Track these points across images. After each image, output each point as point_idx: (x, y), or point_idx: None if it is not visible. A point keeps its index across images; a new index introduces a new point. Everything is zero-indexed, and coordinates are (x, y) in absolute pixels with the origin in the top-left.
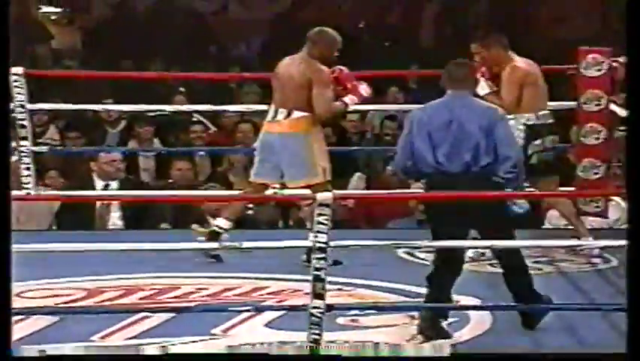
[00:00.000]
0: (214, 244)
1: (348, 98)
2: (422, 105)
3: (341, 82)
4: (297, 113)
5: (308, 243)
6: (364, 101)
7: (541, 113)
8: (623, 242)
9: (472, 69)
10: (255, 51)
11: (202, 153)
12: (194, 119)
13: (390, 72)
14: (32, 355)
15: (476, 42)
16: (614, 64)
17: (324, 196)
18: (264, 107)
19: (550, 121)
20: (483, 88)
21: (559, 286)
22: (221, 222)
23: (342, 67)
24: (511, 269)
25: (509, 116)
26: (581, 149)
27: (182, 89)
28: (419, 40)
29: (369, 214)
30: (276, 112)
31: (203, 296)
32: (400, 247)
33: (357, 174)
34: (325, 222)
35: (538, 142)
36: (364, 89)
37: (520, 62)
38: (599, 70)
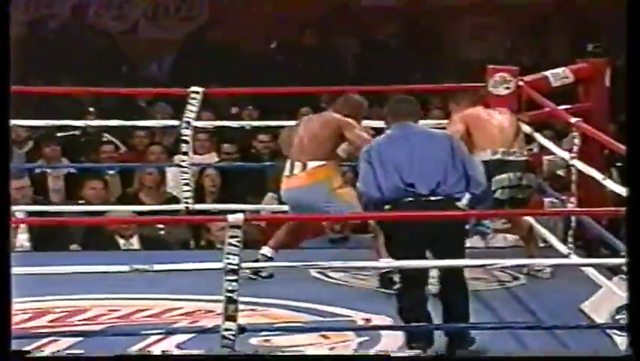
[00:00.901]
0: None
1: None
2: (376, 139)
3: None
4: (312, 164)
5: (220, 265)
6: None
7: (500, 150)
8: (533, 260)
9: (414, 103)
10: (165, 71)
11: (112, 172)
12: (105, 139)
13: (303, 89)
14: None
15: (451, 101)
16: (521, 83)
17: (234, 218)
18: (174, 122)
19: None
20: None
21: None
22: (265, 251)
23: None
24: (454, 290)
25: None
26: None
27: (91, 109)
28: (335, 60)
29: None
30: (292, 166)
31: (114, 318)
32: (312, 268)
33: (270, 193)
34: (237, 243)
35: (498, 178)
36: None
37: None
38: (507, 88)
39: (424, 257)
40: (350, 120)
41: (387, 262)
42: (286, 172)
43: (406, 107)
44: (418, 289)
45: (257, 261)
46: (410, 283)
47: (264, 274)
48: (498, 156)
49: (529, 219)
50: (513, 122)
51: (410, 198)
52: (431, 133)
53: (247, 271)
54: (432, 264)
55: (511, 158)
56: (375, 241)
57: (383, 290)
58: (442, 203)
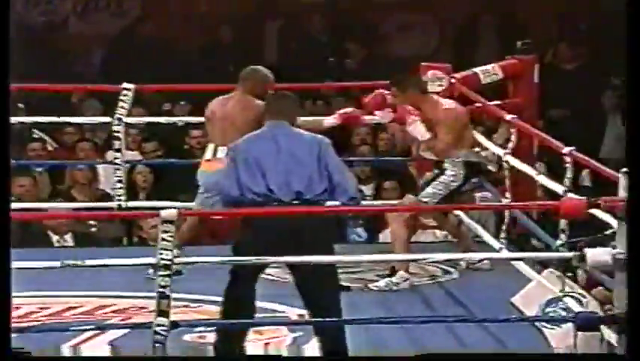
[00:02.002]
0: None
1: (327, 120)
2: (245, 136)
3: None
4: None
5: (152, 260)
6: None
7: (476, 150)
8: (465, 255)
9: (293, 101)
10: (96, 67)
11: (40, 169)
12: (35, 135)
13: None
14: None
15: (392, 84)
16: (452, 80)
17: (167, 213)
18: (107, 119)
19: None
20: (423, 133)
21: (404, 297)
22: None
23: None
24: (329, 288)
25: (448, 159)
26: (422, 162)
27: (21, 105)
28: (263, 56)
29: (214, 230)
30: (215, 150)
31: (45, 316)
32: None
33: None
34: (169, 238)
35: (475, 180)
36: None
37: (447, 105)
38: (440, 85)
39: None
40: (261, 106)
41: (319, 259)
42: (207, 155)
43: (282, 105)
44: (246, 287)
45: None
46: (239, 280)
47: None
48: (476, 159)
49: (459, 213)
50: None
51: (273, 203)
52: (300, 136)
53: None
54: (371, 258)
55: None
56: None
57: None
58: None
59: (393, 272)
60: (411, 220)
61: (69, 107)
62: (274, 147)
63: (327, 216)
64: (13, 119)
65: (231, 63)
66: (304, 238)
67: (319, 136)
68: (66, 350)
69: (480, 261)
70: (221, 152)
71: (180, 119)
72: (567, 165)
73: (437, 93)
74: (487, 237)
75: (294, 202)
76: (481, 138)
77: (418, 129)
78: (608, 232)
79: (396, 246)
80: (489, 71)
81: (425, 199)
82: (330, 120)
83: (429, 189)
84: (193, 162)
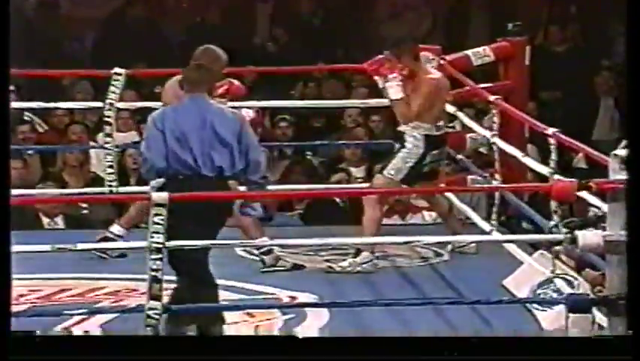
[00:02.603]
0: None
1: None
2: (170, 107)
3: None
4: None
5: (144, 243)
6: None
7: (439, 124)
8: (456, 237)
9: (208, 72)
10: (87, 49)
11: (30, 152)
12: (26, 118)
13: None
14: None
15: (388, 50)
16: (442, 62)
17: (159, 196)
18: (98, 104)
19: (444, 132)
20: (396, 93)
21: (393, 280)
22: (115, 229)
23: (232, 80)
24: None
25: (411, 124)
26: None
27: (12, 87)
28: (254, 40)
29: None
30: None
31: (37, 298)
32: (237, 246)
33: None
34: (161, 222)
35: (436, 152)
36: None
37: (434, 74)
38: (431, 67)
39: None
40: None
41: (318, 240)
42: None
43: (200, 77)
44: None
45: (106, 238)
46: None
47: (115, 254)
48: (439, 132)
49: (450, 196)
50: None
51: (198, 178)
52: (223, 112)
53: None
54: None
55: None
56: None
57: (267, 269)
58: (223, 185)
59: (358, 253)
60: (383, 200)
61: (60, 90)
62: (199, 121)
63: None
64: (14, 104)
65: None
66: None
67: (239, 113)
68: (58, 333)
69: (467, 244)
70: None
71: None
72: (552, 146)
73: None
74: (478, 219)
75: (216, 177)
76: (469, 121)
77: (393, 88)
78: (591, 214)
79: (366, 226)
80: (480, 53)
81: (391, 173)
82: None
83: (393, 163)
84: None
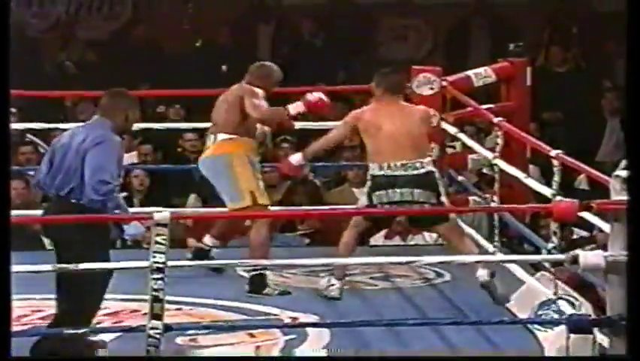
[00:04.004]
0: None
1: (291, 106)
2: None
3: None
4: (221, 136)
5: (145, 263)
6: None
7: (388, 164)
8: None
9: (125, 100)
10: (90, 69)
11: (33, 173)
12: (27, 139)
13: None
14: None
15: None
16: (444, 83)
17: (161, 216)
18: None
19: (398, 173)
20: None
21: (394, 301)
22: (207, 240)
23: (311, 95)
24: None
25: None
26: None
27: (13, 109)
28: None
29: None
30: (208, 138)
31: (37, 319)
32: (238, 266)
33: (193, 195)
34: (163, 242)
35: (380, 192)
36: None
37: (371, 107)
38: (432, 88)
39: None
40: (256, 90)
41: (314, 261)
42: (207, 143)
43: (111, 103)
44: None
45: (201, 250)
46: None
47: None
48: (383, 172)
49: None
50: (416, 125)
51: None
52: (91, 129)
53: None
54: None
55: (399, 173)
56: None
57: (254, 295)
58: (64, 205)
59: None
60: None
61: (63, 110)
62: (68, 141)
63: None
64: (15, 125)
65: (225, 64)
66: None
67: (102, 130)
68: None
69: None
70: (210, 140)
71: (174, 126)
72: (555, 167)
73: (427, 96)
74: (482, 240)
75: (57, 197)
76: (471, 142)
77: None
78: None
79: (340, 248)
80: (481, 74)
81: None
82: (295, 106)
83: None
84: (187, 168)
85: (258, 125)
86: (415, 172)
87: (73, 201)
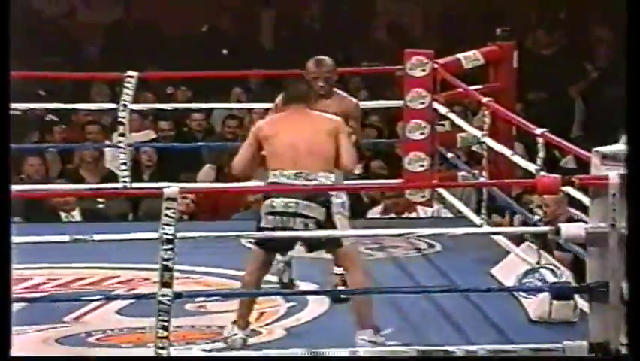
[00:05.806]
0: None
1: None
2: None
3: None
4: None
5: (155, 235)
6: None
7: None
8: (448, 230)
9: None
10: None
11: (52, 149)
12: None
13: (234, 73)
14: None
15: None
16: (436, 65)
17: (170, 191)
18: (113, 105)
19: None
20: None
21: (389, 270)
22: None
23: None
24: None
25: None
26: (407, 143)
27: (42, 92)
28: (260, 44)
29: (215, 207)
30: None
31: (54, 286)
32: (242, 237)
33: (208, 165)
34: (172, 215)
35: (280, 200)
36: None
37: (273, 116)
38: (424, 70)
39: None
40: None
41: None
42: None
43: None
44: None
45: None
46: None
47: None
48: (276, 180)
49: (442, 191)
50: (321, 136)
51: None
52: None
53: None
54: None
55: (291, 182)
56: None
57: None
58: None
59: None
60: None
61: (83, 92)
62: None
63: None
64: (33, 105)
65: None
66: None
67: None
68: (75, 318)
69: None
70: None
71: (182, 106)
72: (539, 145)
73: (420, 78)
74: (470, 213)
75: None
76: (460, 121)
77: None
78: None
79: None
80: (471, 57)
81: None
82: None
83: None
84: (196, 146)
85: None
86: (307, 183)
87: None
